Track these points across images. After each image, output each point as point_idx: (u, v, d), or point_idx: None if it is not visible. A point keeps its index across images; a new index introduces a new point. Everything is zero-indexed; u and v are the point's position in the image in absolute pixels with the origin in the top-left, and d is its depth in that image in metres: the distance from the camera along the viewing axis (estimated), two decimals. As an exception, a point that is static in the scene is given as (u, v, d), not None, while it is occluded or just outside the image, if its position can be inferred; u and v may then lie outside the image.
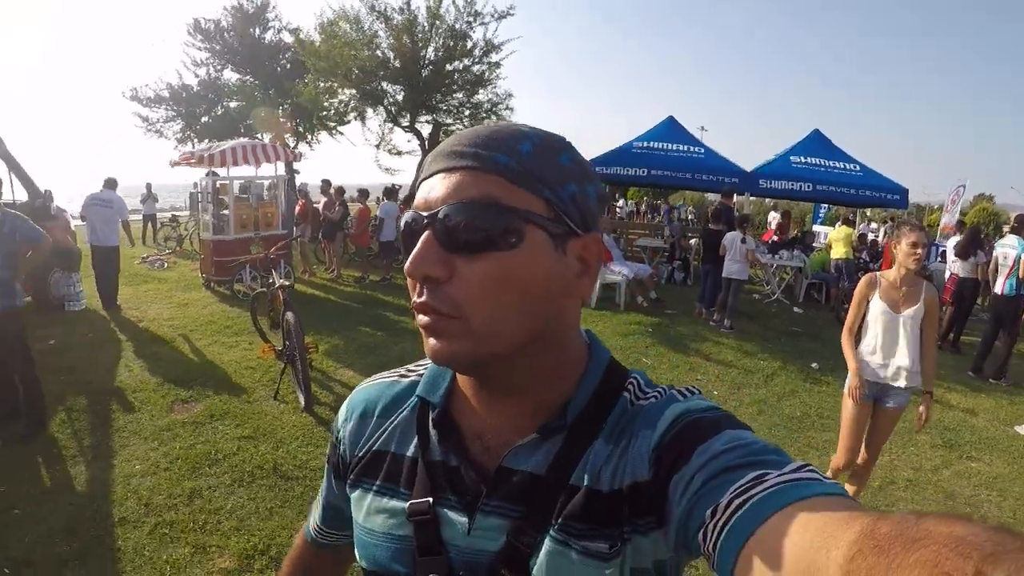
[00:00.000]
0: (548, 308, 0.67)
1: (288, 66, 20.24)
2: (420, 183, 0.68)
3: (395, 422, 0.81)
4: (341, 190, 11.77)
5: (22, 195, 8.49)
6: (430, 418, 0.77)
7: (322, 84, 15.88)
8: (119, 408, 5.15)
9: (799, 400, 6.21)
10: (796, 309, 10.62)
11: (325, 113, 19.00)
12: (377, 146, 16.34)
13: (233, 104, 20.41)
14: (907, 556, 0.35)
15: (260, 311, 6.46)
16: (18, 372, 4.73)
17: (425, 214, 0.64)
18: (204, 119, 20.66)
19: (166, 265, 12.64)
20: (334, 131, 20.26)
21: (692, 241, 13.79)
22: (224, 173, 10.22)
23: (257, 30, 20.32)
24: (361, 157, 21.91)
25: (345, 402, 0.87)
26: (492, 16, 14.08)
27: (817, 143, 13.13)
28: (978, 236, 9.23)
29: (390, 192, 11.51)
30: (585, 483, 0.67)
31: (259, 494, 3.86)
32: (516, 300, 0.64)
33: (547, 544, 0.66)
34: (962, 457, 5.14)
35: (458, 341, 0.63)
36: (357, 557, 0.81)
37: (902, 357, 3.54)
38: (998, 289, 7.70)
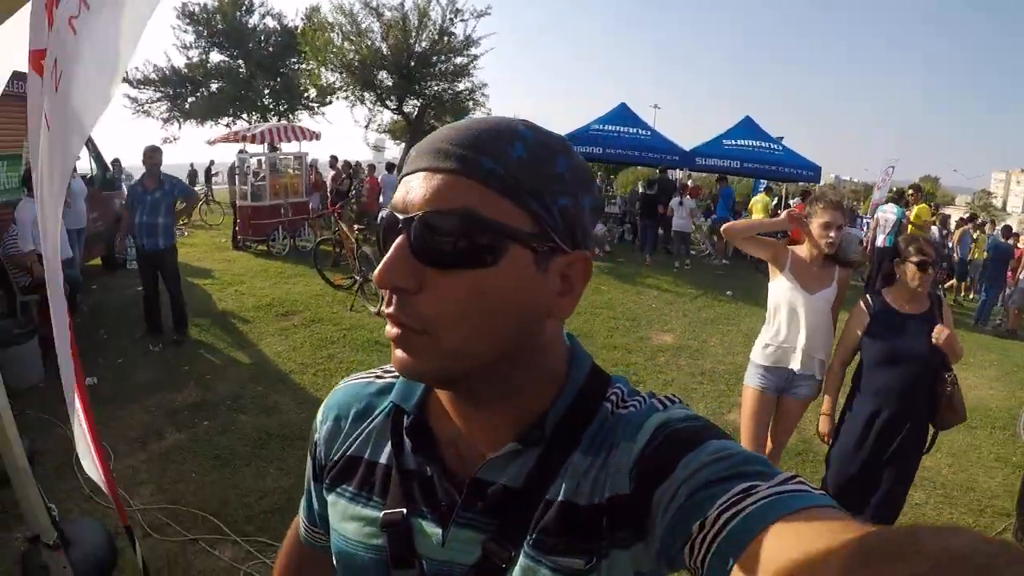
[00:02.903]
0: (523, 328, 0.64)
1: (271, 49, 21.85)
2: (402, 176, 0.64)
3: (369, 427, 0.79)
4: (348, 164, 13.85)
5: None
6: (404, 425, 0.74)
7: (307, 69, 17.69)
8: (237, 320, 7.24)
9: (713, 311, 8.99)
10: (724, 260, 13.28)
11: (307, 95, 20.85)
12: (366, 126, 18.29)
13: (215, 87, 21.93)
14: (901, 570, 0.34)
15: (321, 255, 8.63)
16: (172, 291, 6.60)
17: (401, 216, 0.60)
18: (190, 99, 22.12)
19: (186, 233, 14.32)
20: (315, 112, 22.10)
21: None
22: (254, 150, 12.24)
23: (243, 15, 21.78)
24: (339, 134, 23.85)
25: (323, 403, 0.85)
26: (472, 14, 16.23)
27: (747, 127, 15.62)
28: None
29: (391, 166, 13.72)
30: (561, 497, 0.65)
31: (373, 355, 6.13)
32: (488, 320, 0.61)
33: (521, 559, 0.65)
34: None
35: (425, 358, 0.61)
36: (334, 562, 0.79)
37: (813, 343, 3.20)
38: (879, 243, 10.42)
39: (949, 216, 16.25)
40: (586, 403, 0.70)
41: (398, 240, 0.60)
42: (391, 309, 0.61)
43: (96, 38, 1.39)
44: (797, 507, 0.49)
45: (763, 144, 15.16)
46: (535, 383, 0.69)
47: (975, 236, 12.94)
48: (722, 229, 3.40)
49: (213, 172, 19.09)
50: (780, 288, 3.28)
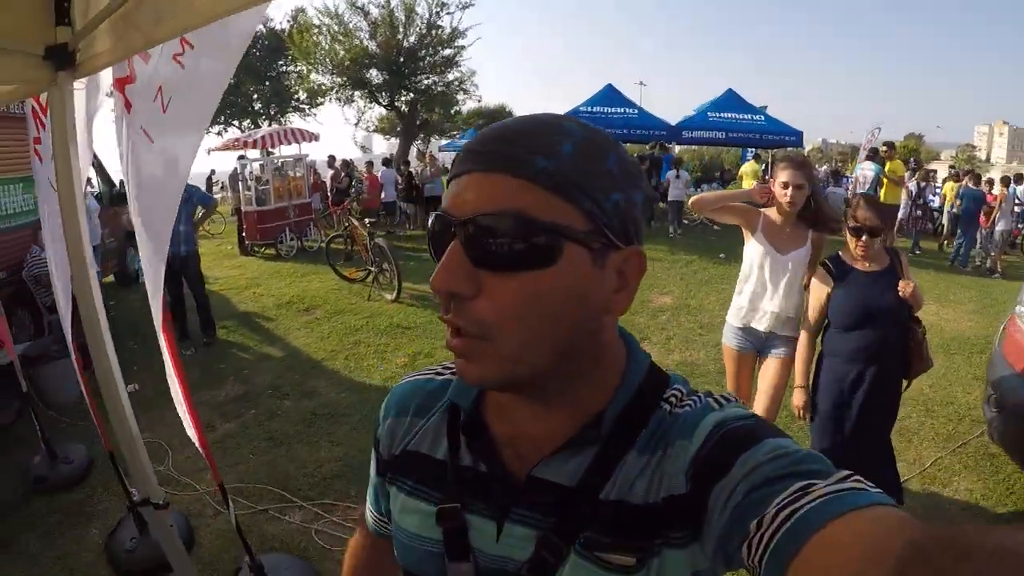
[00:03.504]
0: (582, 327, 0.64)
1: (259, 54, 22.01)
2: (451, 178, 0.65)
3: (428, 423, 0.81)
4: (346, 163, 14.23)
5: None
6: (460, 422, 0.76)
7: (296, 71, 18.09)
8: (261, 319, 7.61)
9: (707, 272, 9.53)
10: (716, 227, 13.68)
11: (298, 97, 21.16)
12: (356, 124, 18.68)
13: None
14: (957, 569, 0.35)
15: (333, 253, 9.04)
16: (197, 295, 6.89)
17: (454, 218, 0.61)
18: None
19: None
20: (306, 113, 22.40)
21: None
22: (254, 155, 12.63)
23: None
24: (329, 133, 24.32)
25: (384, 400, 0.88)
26: (457, 6, 16.66)
27: (730, 99, 16.06)
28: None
29: (387, 161, 14.12)
30: (616, 496, 0.66)
31: (396, 337, 6.56)
32: (549, 323, 0.61)
33: (572, 556, 0.66)
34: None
35: (487, 364, 0.62)
36: (395, 553, 0.83)
37: (787, 305, 3.22)
38: None
39: (935, 171, 16.69)
40: (643, 402, 0.70)
41: (452, 244, 0.60)
42: (450, 315, 0.61)
43: (200, 74, 1.76)
44: (855, 505, 0.50)
45: (745, 116, 15.60)
46: (591, 383, 0.70)
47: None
48: (691, 202, 3.45)
49: (214, 181, 19.38)
50: (752, 250, 3.32)
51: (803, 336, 3.18)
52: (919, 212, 12.82)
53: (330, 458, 4.21)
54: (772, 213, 3.27)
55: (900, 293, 2.84)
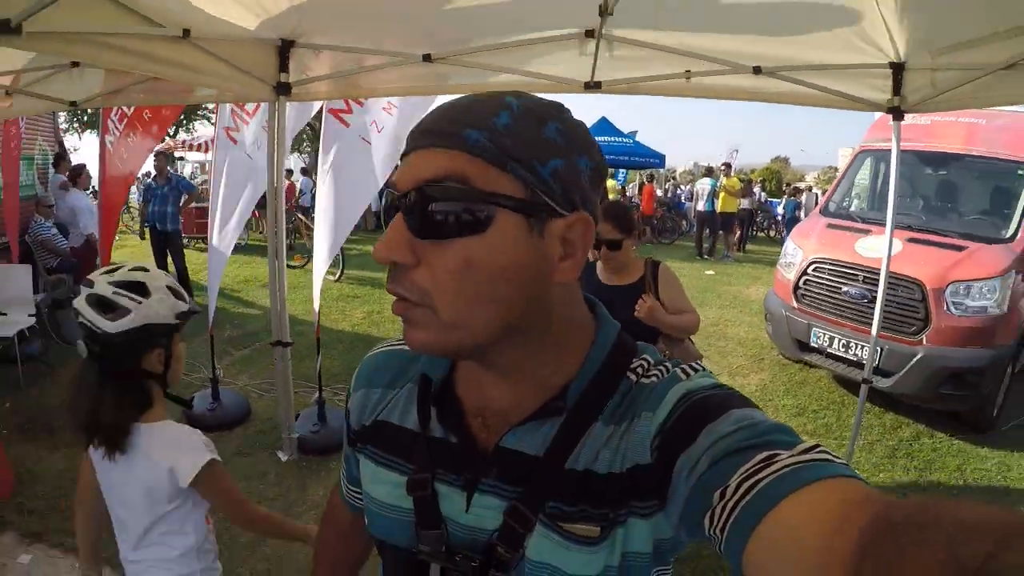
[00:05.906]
0: (525, 295, 0.64)
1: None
2: (401, 158, 0.67)
3: (399, 393, 0.83)
4: (288, 171, 15.83)
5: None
6: (431, 393, 0.77)
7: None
8: (230, 290, 9.15)
9: None
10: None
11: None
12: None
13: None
14: (920, 541, 0.35)
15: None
16: (178, 265, 8.33)
17: (397, 192, 0.63)
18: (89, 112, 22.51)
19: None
20: (212, 122, 23.07)
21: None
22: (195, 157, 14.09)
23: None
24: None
25: (355, 371, 0.89)
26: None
27: (603, 127, 18.56)
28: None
29: (305, 171, 15.82)
30: (581, 466, 0.67)
31: (349, 302, 8.56)
32: (485, 289, 0.61)
33: (539, 526, 0.68)
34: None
35: (428, 330, 0.63)
36: (366, 523, 0.84)
37: None
38: (700, 207, 14.12)
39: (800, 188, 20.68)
40: (610, 373, 0.71)
41: (396, 216, 0.62)
42: (391, 284, 0.64)
43: (402, 120, 3.62)
44: (819, 477, 0.50)
45: (616, 139, 18.29)
46: (556, 354, 0.71)
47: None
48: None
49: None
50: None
51: None
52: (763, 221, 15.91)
53: (332, 365, 5.92)
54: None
55: (636, 312, 2.67)
